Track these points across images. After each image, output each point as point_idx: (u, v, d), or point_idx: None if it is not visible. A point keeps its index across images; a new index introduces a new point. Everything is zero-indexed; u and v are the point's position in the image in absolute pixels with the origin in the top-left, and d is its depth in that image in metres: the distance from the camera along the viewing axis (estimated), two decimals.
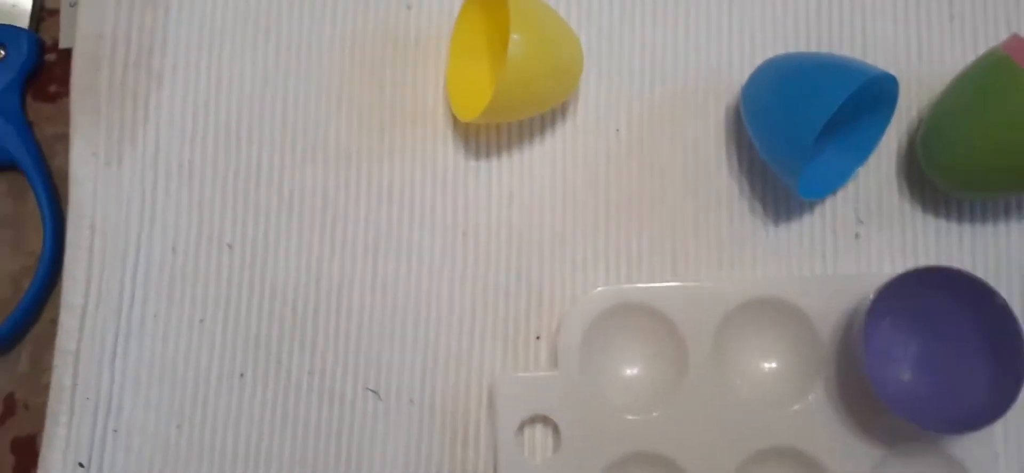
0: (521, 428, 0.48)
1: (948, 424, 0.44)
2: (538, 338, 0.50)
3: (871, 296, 0.44)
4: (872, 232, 0.51)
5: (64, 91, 0.53)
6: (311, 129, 0.53)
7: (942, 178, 0.49)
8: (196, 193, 0.52)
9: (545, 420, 0.49)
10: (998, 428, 0.49)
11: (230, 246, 0.52)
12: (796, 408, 0.47)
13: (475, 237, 0.52)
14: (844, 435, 0.47)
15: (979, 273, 0.46)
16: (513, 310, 0.51)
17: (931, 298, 0.45)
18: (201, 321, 0.51)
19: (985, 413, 0.43)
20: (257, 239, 0.52)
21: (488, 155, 0.53)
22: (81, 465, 0.49)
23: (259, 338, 0.51)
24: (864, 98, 0.48)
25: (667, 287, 0.48)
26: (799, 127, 0.45)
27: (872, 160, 0.52)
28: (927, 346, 0.47)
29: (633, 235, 0.52)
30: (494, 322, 0.51)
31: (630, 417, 0.47)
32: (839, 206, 0.52)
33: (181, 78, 0.53)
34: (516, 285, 0.51)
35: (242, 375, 0.51)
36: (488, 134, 0.53)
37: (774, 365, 0.49)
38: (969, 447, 0.46)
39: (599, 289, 0.49)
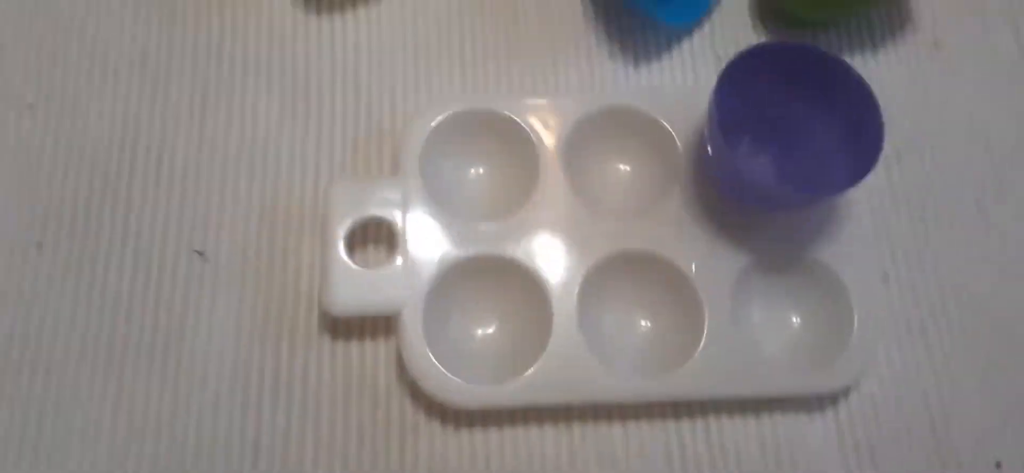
0: (354, 236, 0.42)
1: (803, 187, 0.40)
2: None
3: (720, 73, 0.41)
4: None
5: None
6: None
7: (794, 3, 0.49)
8: None
9: (380, 226, 0.43)
10: (886, 250, 0.46)
11: (31, 107, 0.46)
12: (653, 213, 0.44)
13: (318, 91, 0.47)
14: (705, 241, 0.43)
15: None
16: (362, 157, 0.46)
17: (782, 76, 0.43)
18: None
19: (843, 179, 0.40)
20: (65, 99, 0.46)
21: (330, 11, 0.49)
22: None
23: (62, 205, 0.44)
24: None
25: (518, 100, 0.45)
26: None
27: None
28: (780, 122, 0.44)
29: (490, 82, 0.48)
30: (339, 170, 0.46)
31: (475, 221, 0.42)
32: (697, 42, 0.50)
33: None
34: (364, 139, 0.47)
35: (40, 245, 0.43)
36: None
37: (629, 170, 0.46)
38: (851, 265, 0.43)
39: (446, 98, 0.45)
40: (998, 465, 0.43)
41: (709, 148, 0.43)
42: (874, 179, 0.40)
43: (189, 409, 0.41)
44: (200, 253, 0.44)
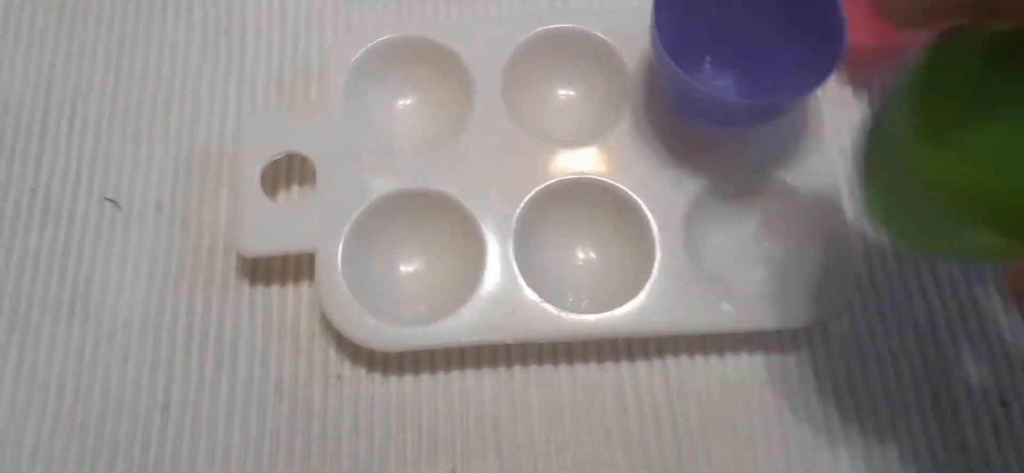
0: (270, 172, 0.39)
1: (757, 96, 0.36)
2: None
3: None
4: None
5: None
6: None
7: None
8: None
9: (297, 162, 0.40)
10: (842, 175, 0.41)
11: None
12: (599, 140, 0.39)
13: (242, 31, 0.44)
14: (655, 166, 0.39)
15: None
16: (287, 97, 0.43)
17: None
18: None
19: (802, 84, 0.36)
20: None
21: None
22: None
23: None
24: None
25: (451, 25, 0.41)
26: None
27: None
28: (731, 29, 0.40)
29: (427, 10, 0.45)
30: (257, 105, 0.43)
31: (401, 154, 0.39)
32: None
33: None
34: (290, 71, 0.43)
35: None
36: None
37: (573, 95, 0.42)
38: (819, 184, 0.39)
39: (374, 26, 0.41)
40: (1003, 403, 0.38)
41: (659, 68, 0.39)
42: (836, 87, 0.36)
43: (95, 365, 0.38)
44: (113, 201, 0.41)
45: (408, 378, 0.38)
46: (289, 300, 0.39)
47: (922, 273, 0.40)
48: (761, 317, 0.37)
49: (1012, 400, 0.38)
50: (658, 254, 0.37)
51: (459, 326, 0.36)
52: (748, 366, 0.38)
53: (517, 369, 0.38)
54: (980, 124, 0.29)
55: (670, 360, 0.38)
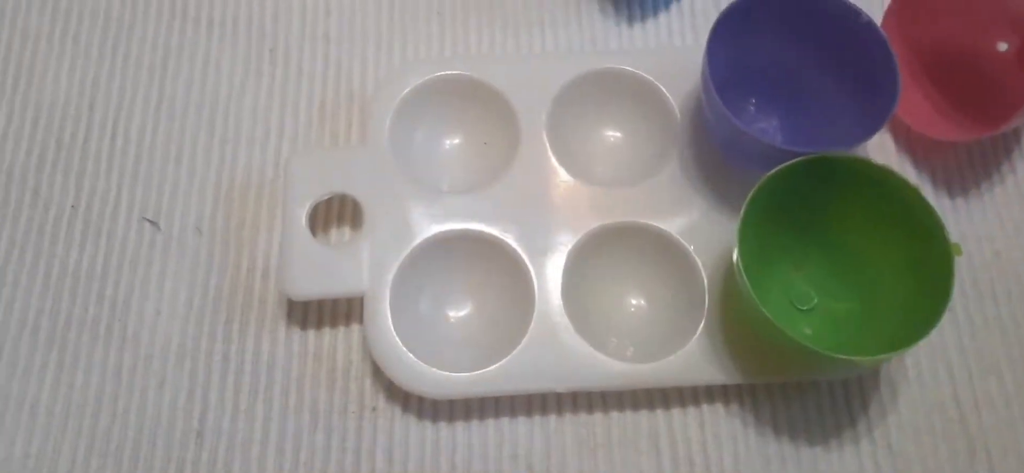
0: (317, 213, 0.39)
1: (810, 146, 0.36)
2: None
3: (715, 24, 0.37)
4: None
5: None
6: None
7: None
8: None
9: (344, 202, 0.40)
10: None
11: None
12: (647, 183, 0.39)
13: (284, 52, 0.44)
14: (706, 212, 0.39)
15: None
16: (329, 125, 0.43)
17: (783, 26, 0.38)
18: None
19: (850, 134, 0.36)
20: (21, 63, 0.44)
21: None
22: None
23: (12, 169, 0.42)
24: None
25: (499, 64, 0.41)
26: None
27: None
28: (783, 77, 0.40)
29: (471, 43, 0.45)
30: (305, 139, 0.43)
31: (449, 195, 0.39)
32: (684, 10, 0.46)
33: None
34: (333, 99, 0.43)
35: None
36: None
37: (620, 137, 0.42)
38: None
39: (420, 61, 0.41)
40: None
41: (706, 110, 0.39)
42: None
43: (132, 387, 0.38)
44: (152, 222, 0.41)
45: (443, 412, 0.38)
46: (326, 330, 0.39)
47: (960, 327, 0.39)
48: (810, 367, 0.37)
49: None
50: (707, 302, 0.37)
51: (508, 374, 0.36)
52: (788, 413, 0.38)
53: (552, 412, 0.38)
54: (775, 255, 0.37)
55: (705, 407, 0.38)
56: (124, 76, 0.44)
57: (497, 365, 0.36)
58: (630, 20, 0.45)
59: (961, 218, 0.38)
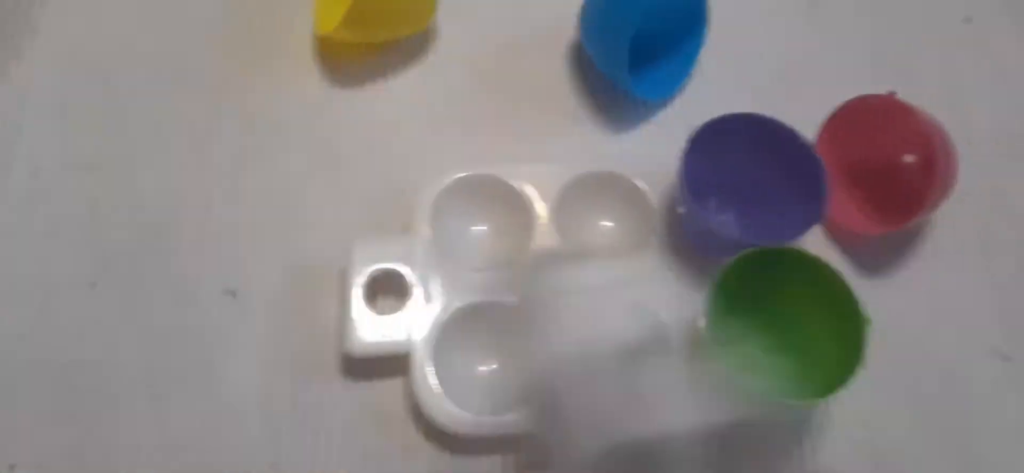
0: (372, 286, 0.48)
1: (762, 237, 0.46)
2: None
3: (688, 140, 0.48)
4: None
5: None
6: (180, 62, 0.56)
7: None
8: (67, 124, 0.54)
9: (392, 277, 0.49)
10: None
11: (93, 167, 0.53)
12: (631, 263, 0.50)
13: (339, 157, 0.54)
14: (676, 287, 0.49)
15: None
16: (376, 215, 0.53)
17: (739, 144, 0.49)
18: (54, 236, 0.51)
19: (791, 229, 0.47)
20: (122, 161, 0.53)
21: (352, 85, 0.57)
22: None
23: (115, 249, 0.51)
24: (685, 14, 0.55)
25: (515, 166, 0.51)
26: (618, 36, 0.52)
27: (697, 72, 0.58)
28: (741, 182, 0.51)
29: (490, 148, 0.55)
30: (359, 226, 0.52)
31: (477, 272, 0.48)
32: (671, 113, 0.57)
33: (57, 24, 0.57)
34: (379, 194, 0.53)
35: (94, 284, 0.50)
36: (351, 66, 0.57)
37: (611, 226, 0.52)
38: None
39: (452, 165, 0.51)
40: None
41: (680, 207, 0.49)
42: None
43: (218, 433, 0.46)
44: (231, 293, 0.50)
45: (472, 448, 0.46)
46: (376, 382, 0.48)
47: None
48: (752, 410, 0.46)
49: None
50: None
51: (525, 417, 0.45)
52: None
53: None
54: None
55: None
56: (206, 173, 0.53)
57: (518, 412, 0.45)
58: (616, 131, 0.56)
59: (875, 295, 0.48)
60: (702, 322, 0.44)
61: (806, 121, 0.55)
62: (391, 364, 0.48)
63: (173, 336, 0.49)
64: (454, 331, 0.47)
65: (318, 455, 0.46)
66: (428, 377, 0.45)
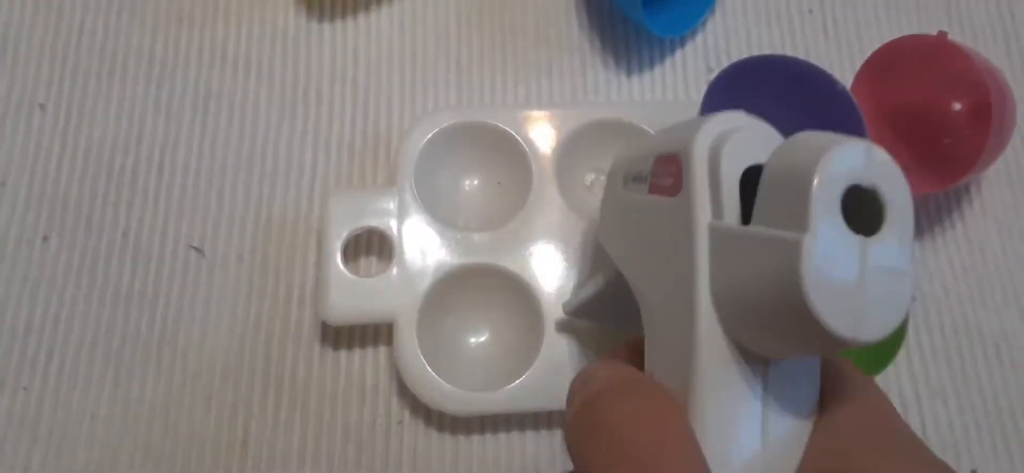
0: (350, 245, 0.43)
1: None
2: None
3: (709, 83, 0.42)
4: None
5: None
6: None
7: None
8: (8, 59, 0.48)
9: (374, 235, 0.44)
10: None
11: (42, 106, 0.47)
12: None
13: (317, 95, 0.49)
14: None
15: None
16: (358, 164, 0.47)
17: (769, 88, 0.43)
18: (1, 184, 0.46)
19: None
20: (73, 100, 0.48)
21: (332, 18, 0.51)
22: None
23: (67, 199, 0.46)
24: None
25: (512, 112, 0.46)
26: None
27: (720, 5, 0.52)
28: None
29: (486, 90, 0.50)
30: (335, 176, 0.47)
31: (469, 231, 0.43)
32: (689, 52, 0.51)
33: None
34: (361, 141, 0.48)
35: (45, 238, 0.45)
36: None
37: None
38: None
39: (441, 109, 0.46)
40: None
41: None
42: None
43: (181, 402, 0.42)
44: (198, 249, 0.45)
45: (461, 426, 0.42)
46: (356, 352, 0.44)
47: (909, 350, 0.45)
48: None
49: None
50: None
51: (520, 394, 0.41)
52: None
53: (557, 428, 0.43)
54: None
55: None
56: (168, 114, 0.48)
57: (510, 386, 0.41)
58: (628, 73, 0.50)
59: (916, 259, 0.43)
60: None
61: (842, 64, 0.50)
62: (372, 332, 0.44)
63: (133, 296, 0.44)
64: (443, 297, 0.42)
65: (293, 430, 0.42)
66: (413, 348, 0.41)
